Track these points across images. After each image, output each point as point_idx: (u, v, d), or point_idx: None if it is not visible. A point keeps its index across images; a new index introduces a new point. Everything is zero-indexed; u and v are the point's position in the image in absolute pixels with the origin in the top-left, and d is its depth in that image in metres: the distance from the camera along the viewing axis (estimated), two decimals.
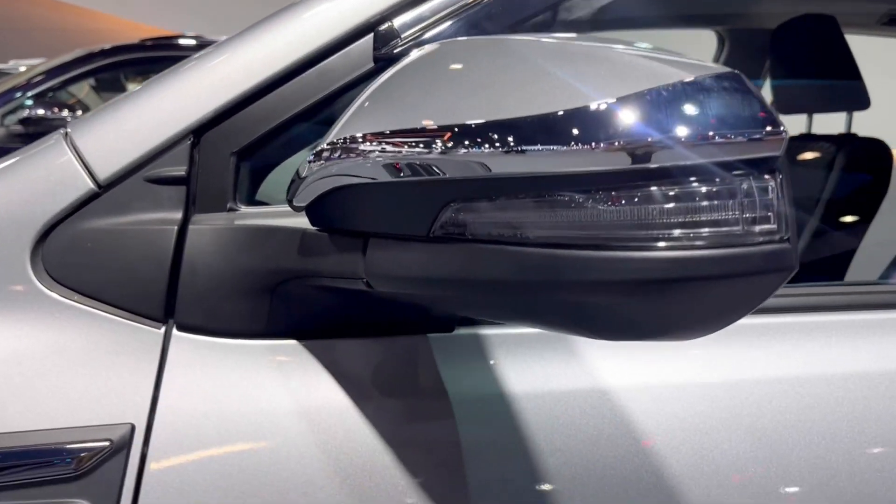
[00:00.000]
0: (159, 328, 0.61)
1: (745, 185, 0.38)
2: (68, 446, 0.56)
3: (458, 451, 0.60)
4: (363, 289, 0.52)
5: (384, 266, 0.49)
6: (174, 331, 0.61)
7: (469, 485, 0.60)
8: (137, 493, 0.56)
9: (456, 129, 0.42)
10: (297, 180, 0.55)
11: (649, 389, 0.63)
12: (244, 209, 0.64)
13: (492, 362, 0.63)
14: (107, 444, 0.56)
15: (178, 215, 0.62)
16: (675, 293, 0.39)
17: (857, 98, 1.84)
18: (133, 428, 0.57)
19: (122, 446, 0.56)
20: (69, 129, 0.66)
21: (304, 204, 0.55)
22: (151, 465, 0.57)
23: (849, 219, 1.67)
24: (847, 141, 1.82)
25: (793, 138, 2.14)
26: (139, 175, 0.63)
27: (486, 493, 0.60)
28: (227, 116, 0.64)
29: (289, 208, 0.60)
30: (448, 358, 0.63)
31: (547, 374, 0.63)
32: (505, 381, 0.62)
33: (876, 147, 1.77)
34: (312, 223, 0.56)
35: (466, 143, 0.41)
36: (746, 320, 0.68)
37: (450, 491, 0.60)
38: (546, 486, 0.60)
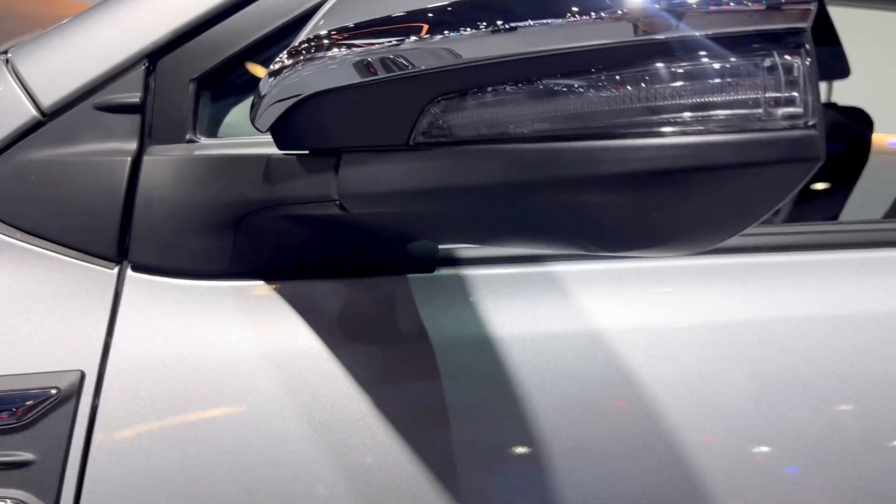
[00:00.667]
0: (112, 268, 0.55)
1: (767, 63, 0.34)
2: (11, 394, 0.50)
3: (440, 397, 0.56)
4: (336, 212, 0.47)
5: (359, 182, 0.44)
6: (128, 271, 0.55)
7: (452, 431, 0.55)
8: (87, 445, 0.51)
9: (432, 12, 0.37)
10: (257, 100, 0.49)
11: (642, 331, 0.59)
12: (205, 141, 0.59)
13: (476, 304, 0.58)
14: (54, 392, 0.51)
15: (132, 146, 0.57)
16: (688, 186, 0.34)
17: (838, 67, 1.83)
18: (83, 375, 0.52)
19: (70, 395, 0.51)
20: (10, 55, 0.60)
21: (267, 126, 0.50)
22: (103, 416, 0.51)
23: (831, 183, 1.66)
24: (828, 109, 1.81)
25: None
26: (88, 102, 0.57)
27: (470, 439, 0.56)
28: (185, 40, 0.59)
29: (255, 140, 0.55)
30: (429, 300, 0.58)
31: (533, 315, 0.59)
32: (490, 323, 0.58)
33: (856, 114, 1.76)
34: (279, 146, 0.51)
35: (445, 26, 0.36)
36: (748, 259, 0.65)
37: (431, 437, 0.55)
38: (533, 430, 0.56)
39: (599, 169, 0.34)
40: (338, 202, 0.46)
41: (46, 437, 0.50)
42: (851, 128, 1.76)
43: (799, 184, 0.35)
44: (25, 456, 0.50)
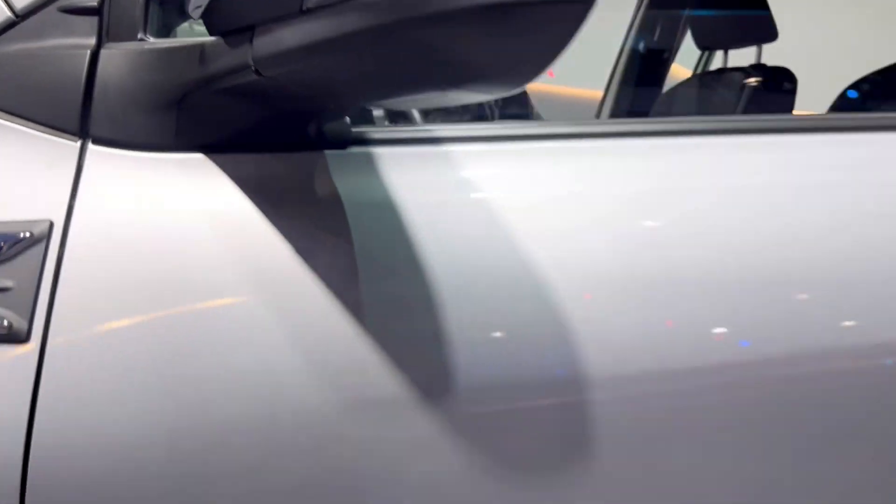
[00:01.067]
0: (75, 142, 0.67)
1: None
2: None
3: (353, 255, 0.67)
4: (254, 78, 0.59)
5: (267, 46, 0.56)
6: (89, 144, 0.67)
7: (361, 283, 0.67)
8: (56, 277, 0.62)
9: None
10: None
11: (544, 202, 0.71)
12: (154, 40, 0.71)
13: (384, 176, 0.70)
14: (27, 235, 0.62)
15: (91, 42, 0.68)
16: (496, 22, 0.46)
17: (766, 30, 1.97)
18: (51, 224, 0.63)
19: (41, 238, 0.62)
20: None
21: (199, 14, 0.61)
22: (69, 256, 0.63)
23: None
24: (757, 69, 1.94)
25: (708, 72, 2.26)
26: (54, 6, 0.68)
27: (381, 298, 0.68)
28: None
29: (197, 40, 0.66)
30: (343, 173, 0.70)
31: (435, 186, 0.71)
32: (396, 193, 0.70)
33: (783, 73, 1.90)
34: (209, 31, 0.62)
35: None
36: (631, 141, 0.77)
37: (343, 287, 0.67)
38: (429, 283, 0.68)
39: (428, 7, 0.46)
40: (253, 67, 0.58)
41: (22, 270, 0.61)
42: (776, 87, 1.90)
43: (578, 24, 0.47)
44: (5, 283, 0.61)
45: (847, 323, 0.72)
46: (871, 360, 0.72)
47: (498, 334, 0.68)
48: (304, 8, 0.52)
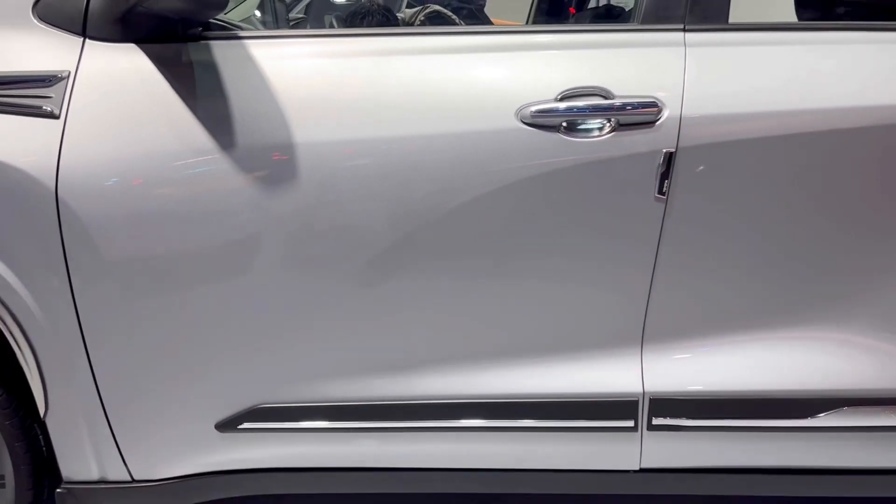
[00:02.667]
0: (79, 39, 1.53)
1: None
2: (28, 76, 1.49)
3: (222, 106, 1.51)
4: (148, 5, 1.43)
5: None
6: (87, 40, 1.53)
7: (236, 133, 1.52)
8: (68, 105, 1.49)
9: None
10: None
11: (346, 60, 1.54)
12: None
13: (222, 68, 1.53)
14: (60, 75, 1.50)
15: None
16: None
17: None
18: (68, 73, 1.50)
19: (63, 76, 1.49)
20: None
21: None
22: (77, 95, 1.50)
23: None
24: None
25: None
26: None
27: (245, 142, 1.52)
28: None
29: None
30: (194, 53, 1.54)
31: (240, 61, 1.54)
32: (246, 77, 1.53)
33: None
34: None
35: None
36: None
37: (217, 137, 1.51)
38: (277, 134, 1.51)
39: None
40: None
41: (56, 89, 1.49)
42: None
43: None
44: (49, 107, 1.48)
45: None
46: None
47: None
48: None
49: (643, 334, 1.57)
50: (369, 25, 2.51)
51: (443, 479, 1.72)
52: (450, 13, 2.54)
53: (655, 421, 1.60)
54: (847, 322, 1.57)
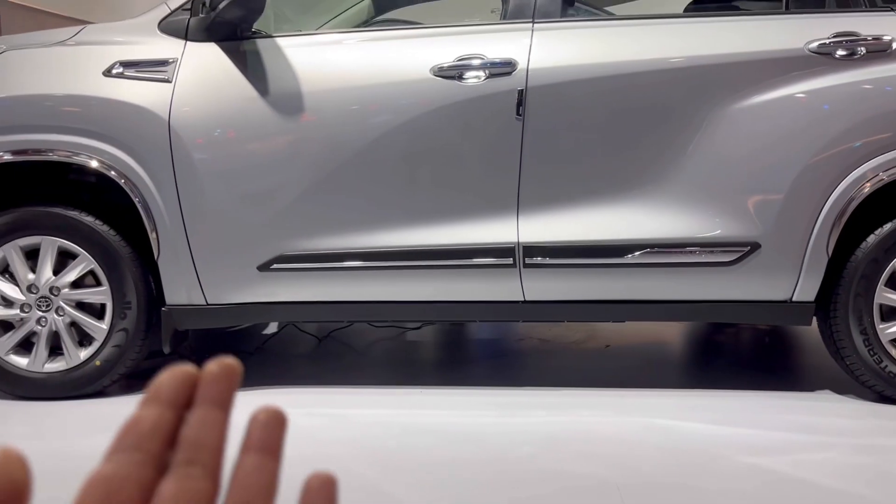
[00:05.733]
0: (182, 41, 2.65)
1: None
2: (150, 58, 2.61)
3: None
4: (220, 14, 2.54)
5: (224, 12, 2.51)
6: (187, 42, 2.65)
7: None
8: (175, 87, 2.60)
9: None
10: None
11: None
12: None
13: (262, 54, 2.64)
14: (168, 59, 2.61)
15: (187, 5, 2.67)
16: None
17: None
18: (173, 59, 2.61)
19: (175, 60, 2.60)
20: None
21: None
22: (181, 85, 2.61)
23: None
24: None
25: None
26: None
27: None
28: None
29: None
30: (249, 50, 2.65)
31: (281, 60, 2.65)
32: (263, 57, 2.64)
33: None
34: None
35: None
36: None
37: None
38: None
39: None
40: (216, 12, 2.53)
41: (170, 67, 2.59)
42: None
43: None
44: (165, 77, 2.59)
45: None
46: None
47: None
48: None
49: (518, 204, 2.56)
50: None
51: (400, 310, 2.70)
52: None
53: (528, 261, 2.57)
54: (645, 192, 2.54)
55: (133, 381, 2.86)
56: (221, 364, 0.32)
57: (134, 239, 2.65)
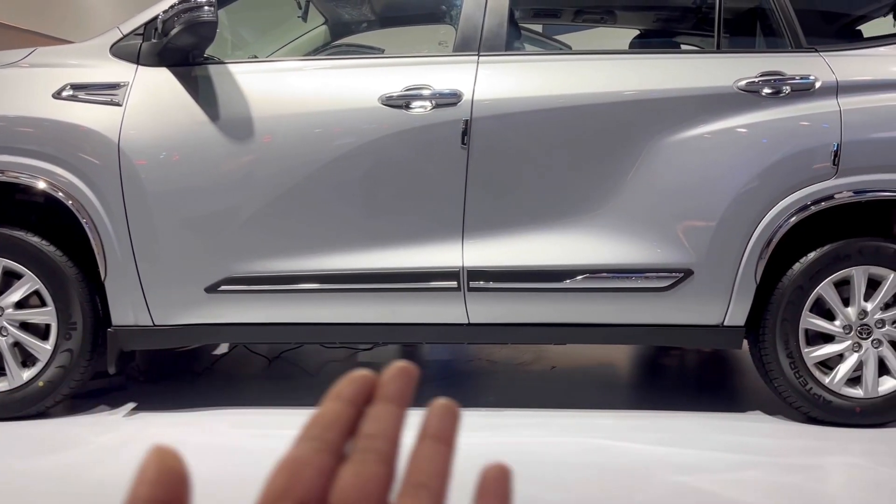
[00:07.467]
0: (134, 65, 2.68)
1: None
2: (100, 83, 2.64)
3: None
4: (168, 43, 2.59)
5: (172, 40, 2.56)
6: (139, 66, 2.68)
7: None
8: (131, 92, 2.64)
9: None
10: None
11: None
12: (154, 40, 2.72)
13: (213, 79, 2.69)
14: (118, 83, 2.64)
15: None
16: None
17: None
18: (125, 81, 2.65)
19: (125, 85, 2.64)
20: None
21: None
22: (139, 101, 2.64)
23: None
24: None
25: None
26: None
27: None
28: None
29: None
30: (195, 73, 2.69)
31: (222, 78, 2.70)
32: (210, 77, 2.69)
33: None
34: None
35: None
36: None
37: None
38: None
39: None
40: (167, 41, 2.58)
41: (121, 91, 2.62)
42: None
43: None
44: (116, 100, 2.62)
45: None
46: None
47: None
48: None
49: (463, 229, 2.64)
50: None
51: (350, 332, 2.74)
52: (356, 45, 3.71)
53: (472, 285, 2.64)
54: (584, 220, 2.64)
55: (77, 401, 2.85)
56: (399, 367, 0.35)
57: (81, 260, 2.66)
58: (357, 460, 0.32)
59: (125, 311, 2.64)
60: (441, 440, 0.33)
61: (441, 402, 0.35)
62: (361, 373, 0.35)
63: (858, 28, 3.09)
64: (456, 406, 0.35)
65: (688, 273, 2.62)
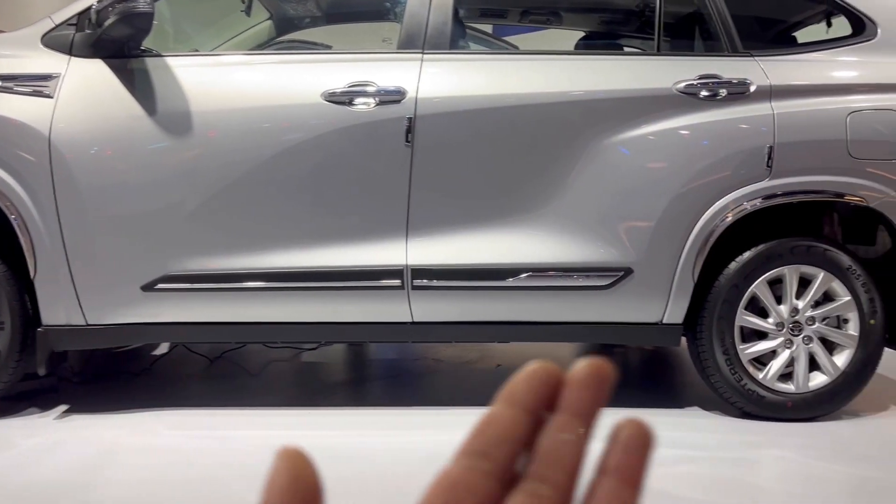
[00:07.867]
0: (67, 56, 2.59)
1: None
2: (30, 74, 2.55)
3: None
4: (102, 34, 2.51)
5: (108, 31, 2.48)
6: (71, 57, 2.59)
7: None
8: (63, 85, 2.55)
9: None
10: None
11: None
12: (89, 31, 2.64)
13: (150, 72, 2.62)
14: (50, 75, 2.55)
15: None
16: None
17: None
18: (56, 73, 2.56)
19: (56, 76, 2.55)
20: None
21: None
22: (69, 84, 2.55)
23: None
24: None
25: None
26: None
27: None
28: None
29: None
30: (131, 65, 2.62)
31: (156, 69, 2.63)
32: (144, 69, 2.62)
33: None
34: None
35: None
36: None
37: None
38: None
39: None
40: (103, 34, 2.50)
41: (52, 82, 2.53)
42: None
43: None
44: (47, 92, 2.53)
45: None
46: None
47: None
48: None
49: (407, 227, 2.63)
50: None
51: (293, 332, 2.71)
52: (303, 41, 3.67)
53: (416, 283, 2.63)
54: (527, 219, 2.66)
55: (6, 403, 2.74)
56: (591, 365, 0.29)
57: (9, 257, 2.56)
58: (527, 491, 0.27)
59: (56, 310, 2.55)
60: (625, 479, 0.27)
61: (629, 424, 0.28)
62: (543, 366, 0.29)
63: (793, 34, 3.19)
64: (649, 430, 0.28)
65: (628, 272, 2.66)
